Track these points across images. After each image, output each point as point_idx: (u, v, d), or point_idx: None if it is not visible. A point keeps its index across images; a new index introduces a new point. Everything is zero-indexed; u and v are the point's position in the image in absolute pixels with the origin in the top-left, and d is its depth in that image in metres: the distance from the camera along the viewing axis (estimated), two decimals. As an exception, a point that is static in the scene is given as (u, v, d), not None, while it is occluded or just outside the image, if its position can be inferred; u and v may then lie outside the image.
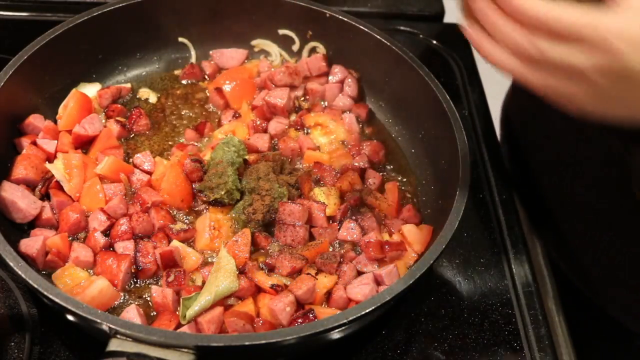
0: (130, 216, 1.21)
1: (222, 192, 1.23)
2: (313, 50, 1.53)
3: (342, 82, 1.49)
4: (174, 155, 1.33)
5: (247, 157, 1.31)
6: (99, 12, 1.38)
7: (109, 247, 1.19)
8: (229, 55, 1.54)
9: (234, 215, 1.24)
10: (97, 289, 1.09)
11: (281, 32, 1.53)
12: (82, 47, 1.39)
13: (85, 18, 1.36)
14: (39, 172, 1.24)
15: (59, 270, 1.13)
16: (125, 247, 1.18)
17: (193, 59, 1.54)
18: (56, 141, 1.30)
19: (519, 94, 1.54)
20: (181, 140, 1.39)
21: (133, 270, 1.16)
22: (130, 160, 1.33)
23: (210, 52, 1.55)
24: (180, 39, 1.53)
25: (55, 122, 1.35)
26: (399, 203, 1.31)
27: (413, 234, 1.23)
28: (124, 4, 1.41)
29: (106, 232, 1.20)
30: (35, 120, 1.30)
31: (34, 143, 1.28)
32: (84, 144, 1.33)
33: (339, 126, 1.42)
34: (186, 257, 1.18)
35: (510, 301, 1.26)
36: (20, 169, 1.22)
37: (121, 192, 1.25)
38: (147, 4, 1.43)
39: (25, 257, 1.11)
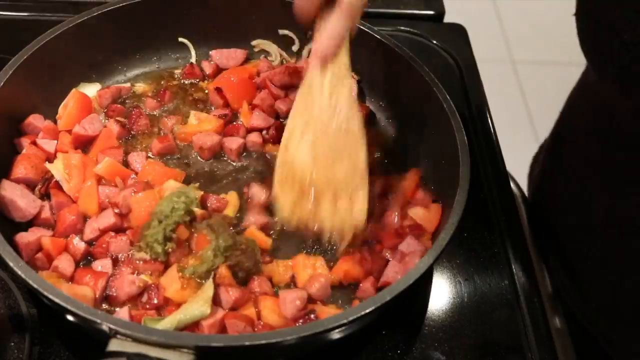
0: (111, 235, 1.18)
1: (144, 245, 1.14)
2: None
3: None
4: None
5: (196, 211, 1.19)
6: (99, 12, 1.38)
7: (88, 256, 1.17)
8: (229, 55, 1.54)
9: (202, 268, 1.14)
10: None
11: (281, 32, 1.53)
12: (82, 47, 1.39)
13: (85, 18, 1.36)
14: (39, 172, 1.23)
15: (43, 272, 1.12)
16: (103, 265, 1.14)
17: (193, 59, 1.54)
18: (56, 141, 1.30)
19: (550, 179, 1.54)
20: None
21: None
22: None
23: (210, 52, 1.54)
24: (180, 39, 1.54)
25: (55, 122, 1.35)
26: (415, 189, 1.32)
27: (421, 216, 1.24)
28: (124, 4, 1.41)
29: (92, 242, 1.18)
30: (35, 120, 1.30)
31: (34, 143, 1.28)
32: (84, 144, 1.33)
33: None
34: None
35: (510, 301, 1.26)
36: (20, 169, 1.22)
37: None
38: (147, 4, 1.43)
39: (15, 247, 1.11)
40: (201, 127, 1.39)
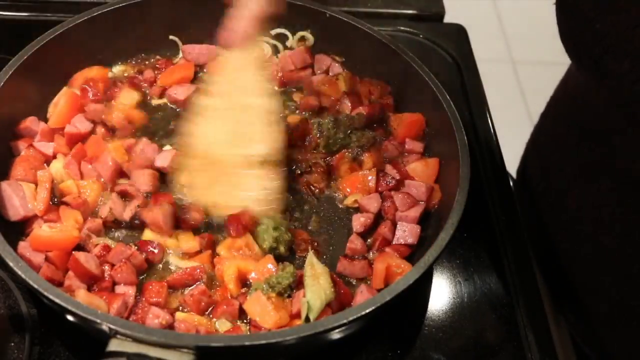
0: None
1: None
2: (302, 39, 1.53)
3: (327, 71, 1.49)
4: None
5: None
6: (99, 12, 1.38)
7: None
8: (200, 52, 1.51)
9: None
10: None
11: (281, 31, 1.53)
12: (82, 47, 1.39)
13: (85, 18, 1.36)
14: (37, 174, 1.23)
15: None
16: (124, 290, 1.12)
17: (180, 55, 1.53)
18: (53, 143, 1.29)
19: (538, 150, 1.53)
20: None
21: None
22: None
23: (182, 47, 1.52)
24: (172, 37, 1.52)
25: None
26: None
27: (420, 171, 1.29)
28: (124, 4, 1.41)
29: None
30: (32, 123, 1.29)
31: (31, 146, 1.26)
32: (78, 142, 1.30)
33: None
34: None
35: (510, 301, 1.25)
36: (19, 171, 1.22)
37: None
38: (146, 4, 1.43)
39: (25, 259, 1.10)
40: (173, 76, 1.46)
